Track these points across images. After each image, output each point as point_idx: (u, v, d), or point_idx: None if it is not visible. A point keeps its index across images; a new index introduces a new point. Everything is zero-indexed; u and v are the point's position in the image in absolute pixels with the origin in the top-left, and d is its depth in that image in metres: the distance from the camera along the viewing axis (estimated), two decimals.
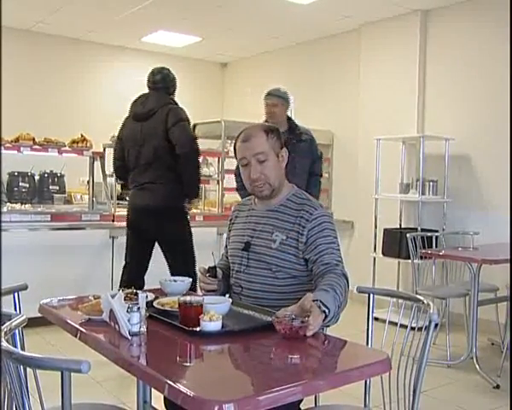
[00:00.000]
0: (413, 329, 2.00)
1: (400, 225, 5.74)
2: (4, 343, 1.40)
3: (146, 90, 4.06)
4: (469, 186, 5.36)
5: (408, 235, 4.64)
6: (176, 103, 4.01)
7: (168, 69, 4.10)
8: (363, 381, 2.06)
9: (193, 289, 2.54)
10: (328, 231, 2.13)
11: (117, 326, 1.71)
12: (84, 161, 5.31)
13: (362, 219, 6.14)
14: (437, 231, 5.11)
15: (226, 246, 2.43)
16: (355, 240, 6.32)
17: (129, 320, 1.69)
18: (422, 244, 4.68)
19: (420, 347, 1.82)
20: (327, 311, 1.80)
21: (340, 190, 6.65)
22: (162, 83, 4.02)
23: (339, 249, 2.14)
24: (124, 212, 5.32)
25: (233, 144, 2.30)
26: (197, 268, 2.56)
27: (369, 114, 6.12)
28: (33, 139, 4.96)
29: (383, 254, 5.49)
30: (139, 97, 4.03)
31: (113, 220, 5.08)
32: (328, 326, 2.02)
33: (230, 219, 2.44)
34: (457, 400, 3.52)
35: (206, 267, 2.22)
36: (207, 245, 5.09)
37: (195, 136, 4.02)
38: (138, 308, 1.70)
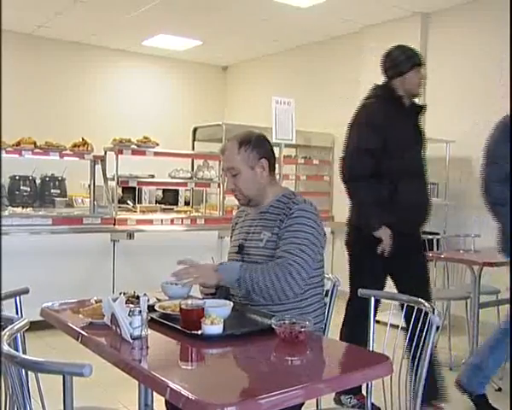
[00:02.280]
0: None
1: None
2: (6, 347, 1.40)
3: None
4: (470, 189, 5.36)
5: None
6: (388, 93, 3.31)
7: (398, 46, 3.29)
8: (365, 384, 2.06)
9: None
10: (298, 225, 2.14)
11: (118, 330, 1.71)
12: (86, 164, 5.32)
13: None
14: (438, 234, 5.11)
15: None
16: None
17: (130, 324, 1.69)
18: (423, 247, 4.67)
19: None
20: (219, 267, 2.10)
21: (342, 192, 6.61)
22: (382, 67, 3.37)
23: (300, 243, 2.10)
24: (125, 215, 5.35)
25: None
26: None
27: None
28: (34, 143, 4.97)
29: None
30: None
31: (114, 224, 5.08)
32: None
33: (232, 226, 2.50)
34: (459, 403, 3.51)
35: None
36: (208, 248, 5.10)
37: (357, 150, 3.14)
38: (140, 312, 1.71)
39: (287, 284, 2.03)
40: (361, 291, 2.26)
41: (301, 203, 2.20)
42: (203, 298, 2.15)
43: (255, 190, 2.26)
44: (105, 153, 5.39)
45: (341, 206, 6.62)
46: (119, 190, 5.60)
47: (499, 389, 3.66)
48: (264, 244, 2.19)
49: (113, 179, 5.19)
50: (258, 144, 2.26)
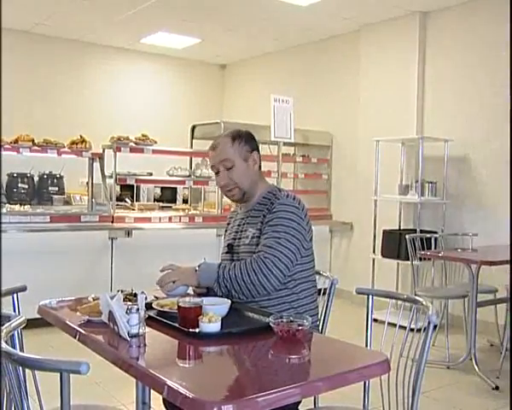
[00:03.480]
0: (412, 330, 2.01)
1: (399, 226, 5.74)
2: (3, 345, 1.40)
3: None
4: (468, 187, 5.37)
5: (407, 236, 4.64)
6: None
7: None
8: (363, 382, 2.06)
9: None
10: (278, 220, 2.15)
11: (116, 327, 1.71)
12: (84, 162, 5.32)
13: (361, 220, 6.14)
14: (436, 233, 5.12)
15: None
16: (354, 241, 6.32)
17: (128, 322, 1.69)
18: (421, 245, 4.68)
19: (419, 348, 1.82)
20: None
21: (340, 191, 6.65)
22: None
23: (279, 237, 2.10)
24: (123, 213, 5.35)
25: None
26: None
27: (369, 115, 6.13)
28: (32, 140, 4.96)
29: (382, 255, 5.49)
30: None
31: (112, 221, 5.08)
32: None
33: (226, 229, 2.52)
34: (456, 401, 3.53)
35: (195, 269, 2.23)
36: (206, 246, 5.11)
37: None
38: (137, 310, 1.70)
39: (264, 277, 2.04)
40: (358, 289, 2.26)
41: (283, 198, 2.21)
42: (198, 296, 2.15)
43: (249, 184, 2.28)
44: (103, 150, 5.39)
45: (339, 204, 6.65)
46: (117, 188, 5.60)
47: (496, 388, 3.67)
48: (249, 241, 2.22)
49: (112, 177, 5.19)
50: (249, 139, 2.30)
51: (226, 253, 2.33)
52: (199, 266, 2.15)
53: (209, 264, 2.16)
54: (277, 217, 2.15)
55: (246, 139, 2.28)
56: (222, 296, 2.08)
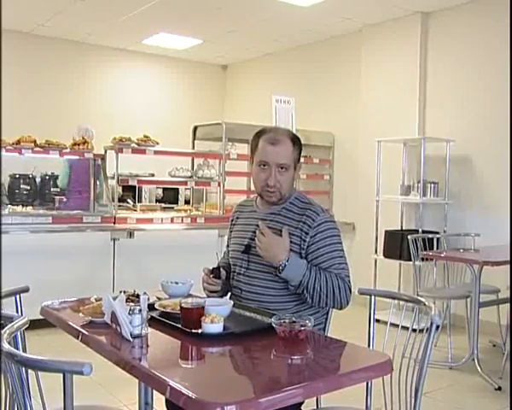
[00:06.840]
0: (414, 331, 2.01)
1: (401, 226, 5.74)
2: (6, 345, 1.40)
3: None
4: (470, 188, 5.36)
5: (409, 237, 4.64)
6: None
7: None
8: (365, 383, 2.06)
9: None
10: (331, 238, 2.13)
11: (118, 328, 1.71)
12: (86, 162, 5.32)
13: (363, 220, 6.13)
14: (438, 233, 5.11)
15: (228, 245, 2.43)
16: (356, 242, 6.32)
17: (130, 322, 1.69)
18: (423, 246, 4.68)
19: (421, 349, 1.82)
20: (285, 262, 2.03)
21: (341, 191, 6.65)
22: None
23: (341, 256, 2.14)
24: (125, 214, 5.35)
25: (252, 139, 2.25)
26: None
27: (370, 115, 6.12)
28: (34, 141, 4.97)
29: (384, 255, 5.49)
30: None
31: (114, 222, 5.08)
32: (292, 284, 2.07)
33: (231, 220, 2.44)
34: (459, 402, 3.52)
35: (210, 268, 2.22)
36: (209, 247, 5.10)
37: None
38: (140, 310, 1.71)
39: (345, 298, 2.08)
40: (360, 289, 2.26)
41: (322, 212, 2.17)
42: (208, 296, 2.14)
43: (290, 190, 2.23)
44: (105, 151, 5.40)
45: (341, 205, 6.65)
46: (119, 189, 5.60)
47: (499, 388, 3.66)
48: None
49: (113, 178, 5.20)
50: (301, 146, 2.25)
51: (242, 252, 2.23)
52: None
53: (298, 258, 2.09)
54: (329, 236, 2.13)
55: (300, 147, 2.23)
56: (297, 289, 2.07)
